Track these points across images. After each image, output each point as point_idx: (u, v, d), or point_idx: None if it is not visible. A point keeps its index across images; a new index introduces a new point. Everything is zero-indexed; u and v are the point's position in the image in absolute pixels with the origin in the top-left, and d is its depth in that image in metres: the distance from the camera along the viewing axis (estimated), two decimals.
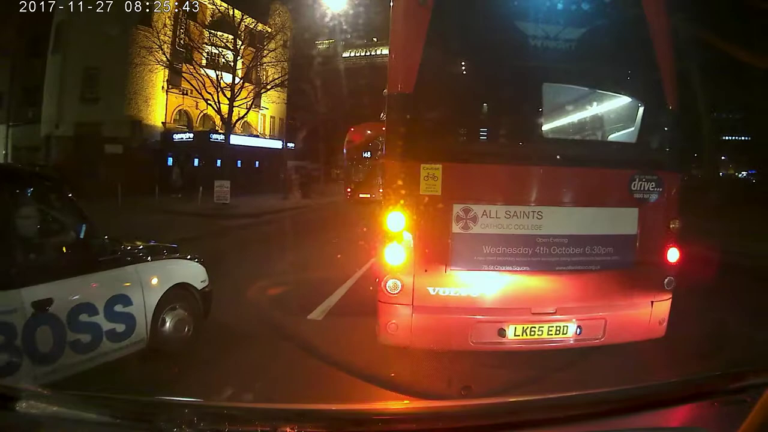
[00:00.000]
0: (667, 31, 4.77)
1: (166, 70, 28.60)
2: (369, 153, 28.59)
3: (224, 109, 24.82)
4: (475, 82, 4.79)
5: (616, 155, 4.94)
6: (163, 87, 31.32)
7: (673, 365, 4.72)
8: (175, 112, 33.08)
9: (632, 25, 4.71)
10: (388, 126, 4.79)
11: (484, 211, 4.32)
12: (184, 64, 27.47)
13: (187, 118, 34.25)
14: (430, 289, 4.36)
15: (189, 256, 5.43)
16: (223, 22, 27.42)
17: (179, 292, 5.00)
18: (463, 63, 4.77)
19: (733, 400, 1.75)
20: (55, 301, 3.74)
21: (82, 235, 4.27)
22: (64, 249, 4.22)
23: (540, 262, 4.40)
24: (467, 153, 4.58)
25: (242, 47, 27.20)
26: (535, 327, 4.44)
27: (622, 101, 5.14)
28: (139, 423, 1.60)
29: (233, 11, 26.20)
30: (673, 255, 4.65)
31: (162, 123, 31.96)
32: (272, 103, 40.81)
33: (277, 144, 39.20)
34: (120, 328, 4.30)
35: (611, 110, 5.30)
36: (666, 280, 4.65)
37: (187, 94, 29.91)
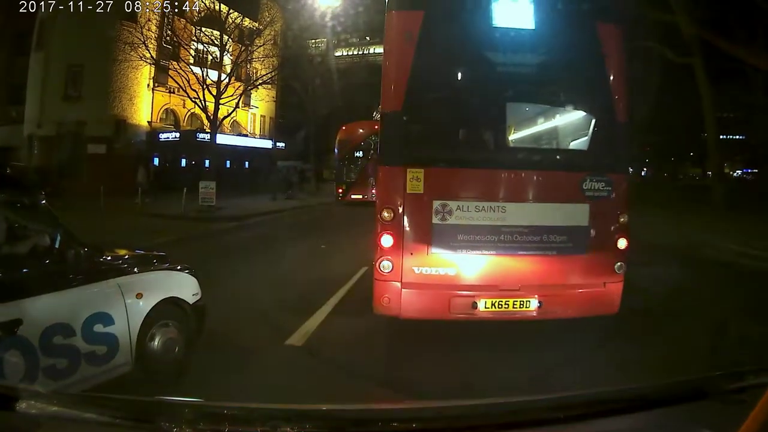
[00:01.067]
0: (621, 55, 5.79)
1: (152, 68, 28.44)
2: (361, 152, 28.33)
3: (212, 108, 24.71)
4: (451, 101, 5.88)
5: (570, 160, 6.02)
6: (148, 85, 31.14)
7: None
8: (161, 111, 32.90)
9: (589, 52, 5.70)
10: (381, 137, 5.90)
11: (458, 206, 5.39)
12: (170, 62, 27.33)
13: (174, 117, 34.06)
14: (415, 269, 5.42)
15: (179, 267, 5.01)
16: (209, 18, 27.30)
17: (168, 308, 4.60)
18: (441, 86, 5.82)
19: (733, 400, 1.76)
20: (25, 322, 3.34)
21: (56, 246, 3.83)
22: (35, 261, 3.77)
23: (505, 248, 5.43)
24: (445, 159, 5.58)
25: (229, 43, 27.04)
26: (502, 301, 5.43)
27: (577, 115, 6.19)
28: (139, 423, 1.61)
29: (219, 5, 26.09)
30: (622, 244, 5.57)
31: (148, 122, 31.76)
32: (262, 101, 40.70)
33: (267, 143, 39.12)
34: (101, 350, 3.91)
35: (567, 123, 6.39)
36: (617, 265, 5.54)
37: (173, 93, 29.59)
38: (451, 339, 5.89)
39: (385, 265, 5.41)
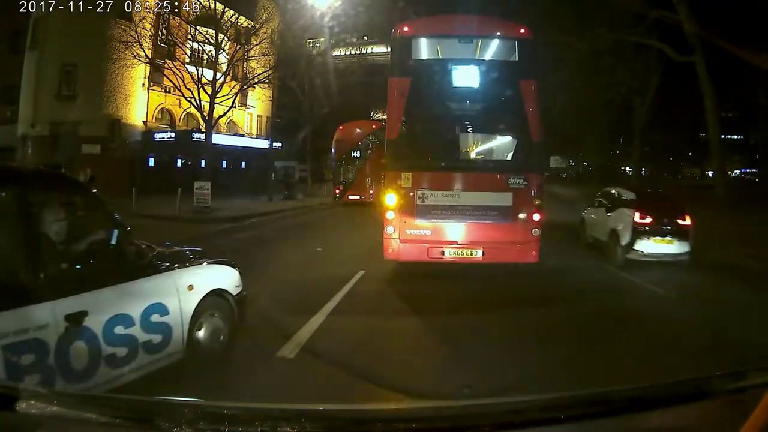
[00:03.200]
0: (536, 99, 9.03)
1: (147, 67, 28.36)
2: (359, 152, 28.20)
3: (208, 108, 24.64)
4: (427, 132, 9.54)
5: (500, 166, 9.57)
6: (143, 84, 31.05)
7: None
8: (157, 111, 32.82)
9: (513, 99, 9.11)
10: (386, 153, 9.71)
11: (431, 193, 8.88)
12: (166, 60, 27.24)
13: (170, 117, 34.00)
14: (407, 231, 8.86)
15: (222, 260, 5.41)
16: (205, 17, 27.23)
17: (215, 299, 4.95)
18: (421, 123, 9.40)
19: (733, 400, 1.77)
20: (90, 314, 3.59)
21: (114, 241, 4.13)
22: (96, 257, 4.04)
23: (460, 218, 8.84)
24: (423, 167, 9.16)
25: (224, 42, 26.93)
26: (459, 250, 8.89)
27: (506, 138, 10.01)
28: (139, 423, 1.62)
29: (215, 3, 26.09)
30: (536, 217, 8.80)
31: (143, 122, 31.67)
32: (258, 100, 40.58)
33: (264, 144, 39.00)
34: (156, 339, 4.21)
35: (499, 143, 10.31)
36: (533, 230, 8.80)
37: (169, 92, 29.43)
38: (450, 342, 5.97)
39: (390, 229, 8.95)
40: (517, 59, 9.41)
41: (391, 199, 8.92)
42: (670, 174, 57.86)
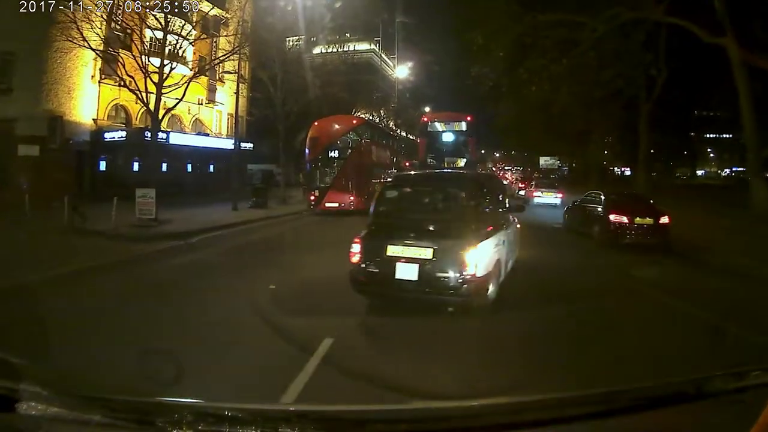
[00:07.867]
0: (476, 145, 42.06)
1: (98, 59, 27.59)
2: (337, 152, 26.94)
3: (156, 100, 23.14)
4: (432, 158, 37.51)
5: (459, 169, 32.54)
6: (93, 76, 30.44)
7: None
8: (110, 108, 32.21)
9: (465, 145, 38.80)
10: (417, 167, 39.88)
11: None
12: (112, 48, 25.87)
13: (126, 115, 33.43)
14: None
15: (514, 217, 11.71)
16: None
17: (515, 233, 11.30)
18: (431, 154, 38.03)
19: (733, 400, 1.97)
20: (506, 238, 9.41)
21: (506, 206, 10.88)
22: (503, 213, 10.38)
23: None
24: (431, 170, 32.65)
25: (173, 23, 24.91)
26: None
27: (462, 159, 38.04)
28: (139, 424, 1.77)
29: None
30: None
31: (93, 120, 31.10)
32: (228, 96, 40.01)
33: (232, 144, 38.58)
34: (514, 250, 10.65)
35: (460, 162, 37.58)
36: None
37: (124, 86, 27.47)
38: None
39: None
40: (466, 129, 37.59)
41: None
42: (663, 173, 60.73)
